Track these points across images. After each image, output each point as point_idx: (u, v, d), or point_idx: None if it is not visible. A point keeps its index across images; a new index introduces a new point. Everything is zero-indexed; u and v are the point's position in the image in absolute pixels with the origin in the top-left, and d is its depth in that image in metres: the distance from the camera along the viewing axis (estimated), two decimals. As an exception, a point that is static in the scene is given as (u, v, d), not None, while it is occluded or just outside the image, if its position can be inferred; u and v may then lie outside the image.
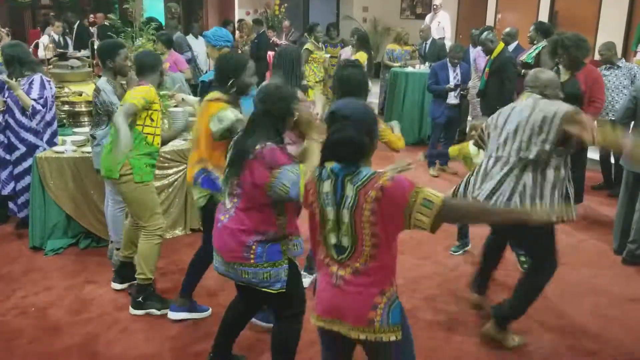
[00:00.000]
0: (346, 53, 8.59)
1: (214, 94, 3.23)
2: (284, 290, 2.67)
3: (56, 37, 9.85)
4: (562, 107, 3.10)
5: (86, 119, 5.30)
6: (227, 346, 3.06)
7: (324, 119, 2.21)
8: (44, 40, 9.25)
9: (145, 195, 3.66)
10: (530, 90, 3.32)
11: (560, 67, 4.44)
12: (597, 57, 6.90)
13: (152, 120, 3.58)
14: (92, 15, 13.45)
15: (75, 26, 10.81)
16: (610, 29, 9.48)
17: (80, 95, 5.67)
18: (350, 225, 2.10)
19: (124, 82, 4.09)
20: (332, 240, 2.17)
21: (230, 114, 3.14)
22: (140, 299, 3.70)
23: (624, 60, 6.33)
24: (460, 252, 4.73)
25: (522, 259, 4.35)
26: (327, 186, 2.15)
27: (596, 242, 5.03)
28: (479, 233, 4.39)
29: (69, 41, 10.21)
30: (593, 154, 6.33)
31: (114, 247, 4.26)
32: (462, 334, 3.59)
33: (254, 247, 2.60)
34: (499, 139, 3.24)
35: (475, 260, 4.46)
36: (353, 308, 2.12)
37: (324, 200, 2.16)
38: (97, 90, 3.98)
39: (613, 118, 5.29)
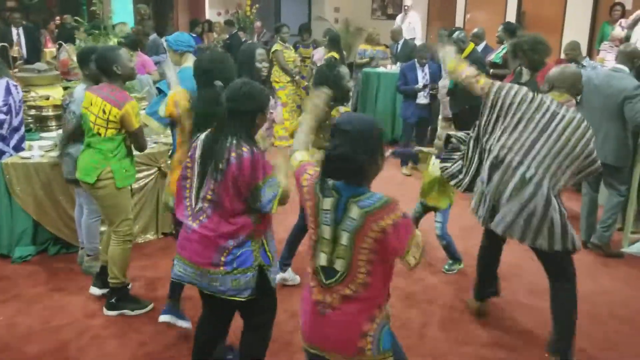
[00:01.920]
0: (319, 53, 8.62)
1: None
2: (253, 298, 2.60)
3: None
4: (591, 144, 3.07)
5: (54, 123, 5.21)
6: None
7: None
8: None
9: (122, 200, 3.63)
10: (558, 90, 3.20)
11: (523, 68, 4.59)
12: (562, 56, 7.03)
13: None
14: (58, 18, 13.24)
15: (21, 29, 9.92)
16: (576, 28, 9.68)
17: (48, 99, 5.56)
18: (349, 249, 2.00)
19: None
20: (322, 261, 2.07)
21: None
22: (113, 300, 3.70)
23: (588, 59, 6.48)
24: (455, 269, 4.48)
25: None
26: (327, 203, 2.04)
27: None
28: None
29: None
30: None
31: (85, 253, 4.20)
32: (436, 331, 3.63)
33: (225, 252, 2.52)
34: (519, 137, 3.10)
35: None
36: (342, 339, 2.05)
37: (323, 217, 2.05)
38: (71, 96, 3.93)
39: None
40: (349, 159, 1.97)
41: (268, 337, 2.79)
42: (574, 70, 3.30)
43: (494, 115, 3.19)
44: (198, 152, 2.59)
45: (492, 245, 3.63)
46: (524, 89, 3.19)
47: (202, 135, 2.63)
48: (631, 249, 4.86)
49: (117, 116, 3.44)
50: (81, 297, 3.93)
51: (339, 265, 2.04)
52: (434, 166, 4.26)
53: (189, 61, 4.15)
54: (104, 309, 3.73)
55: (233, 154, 2.45)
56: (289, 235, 4.10)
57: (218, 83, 3.08)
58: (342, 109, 3.66)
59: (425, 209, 4.46)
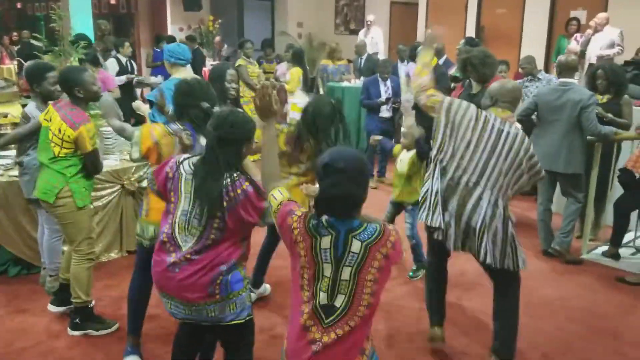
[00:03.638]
0: (282, 69, 8.67)
1: None
2: (251, 317, 2.59)
3: (123, 59, 8.25)
4: (535, 156, 3.14)
5: (13, 141, 5.10)
6: None
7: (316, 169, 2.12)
8: (110, 64, 7.92)
9: (82, 219, 3.57)
10: (502, 105, 3.23)
11: (472, 80, 4.75)
12: (519, 70, 7.24)
13: None
14: (14, 33, 13.00)
15: None
16: (532, 42, 9.99)
17: (6, 117, 5.46)
18: (351, 284, 2.02)
19: None
20: (322, 300, 2.04)
21: None
22: (77, 320, 3.65)
23: (543, 72, 6.71)
24: (420, 274, 4.55)
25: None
26: (326, 242, 2.03)
27: (525, 246, 5.14)
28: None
29: (134, 65, 8.69)
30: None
31: (47, 273, 4.12)
32: (404, 342, 3.67)
33: (218, 281, 2.44)
34: (472, 157, 3.11)
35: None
36: None
37: (322, 256, 2.04)
38: (26, 118, 3.85)
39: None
40: (350, 197, 2.01)
41: (252, 353, 2.77)
42: (513, 85, 3.34)
43: (448, 133, 3.18)
44: (185, 186, 2.50)
45: (440, 261, 3.57)
46: (471, 107, 3.20)
47: (186, 166, 2.52)
48: (590, 256, 5.02)
49: (71, 137, 3.38)
50: (44, 319, 3.85)
51: (339, 301, 2.04)
52: (401, 162, 4.49)
53: (179, 73, 4.14)
54: (68, 329, 3.67)
55: (238, 191, 2.40)
56: (260, 252, 4.05)
57: (205, 104, 3.01)
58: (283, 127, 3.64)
59: (396, 209, 4.58)
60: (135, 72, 8.39)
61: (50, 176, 3.48)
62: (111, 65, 7.94)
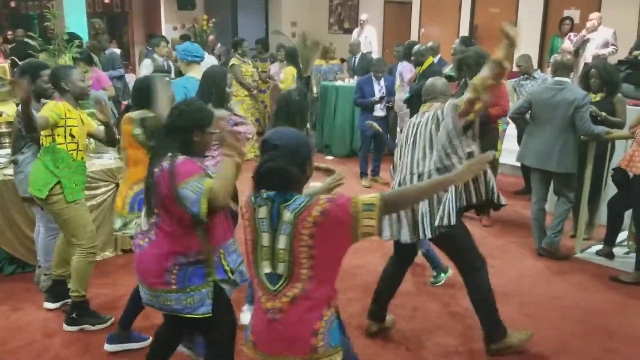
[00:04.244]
0: (275, 68, 8.67)
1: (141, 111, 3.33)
2: (210, 315, 2.57)
3: (160, 60, 8.00)
4: (448, 112, 3.26)
5: (7, 140, 5.07)
6: None
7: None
8: (146, 65, 7.74)
9: (79, 213, 3.59)
10: (426, 101, 3.50)
11: (467, 80, 4.78)
12: (515, 68, 7.26)
13: (72, 136, 3.52)
14: (9, 32, 12.96)
15: None
16: (526, 41, 9.99)
17: (0, 115, 5.43)
18: (288, 252, 2.09)
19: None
20: (266, 269, 2.15)
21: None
22: (74, 315, 3.66)
23: (539, 71, 6.73)
24: (442, 281, 4.42)
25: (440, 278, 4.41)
26: (263, 212, 2.14)
27: (520, 245, 5.28)
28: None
29: (172, 65, 8.27)
30: (512, 160, 6.64)
31: (42, 272, 4.11)
32: (398, 341, 3.68)
33: (175, 271, 2.49)
34: (413, 156, 3.35)
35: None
36: (295, 339, 2.12)
37: (259, 225, 2.15)
38: (20, 116, 3.83)
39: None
40: (280, 172, 2.10)
41: (227, 353, 2.76)
42: (431, 82, 3.56)
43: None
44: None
45: (399, 266, 3.70)
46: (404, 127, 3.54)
47: None
48: (584, 255, 5.04)
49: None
50: (39, 317, 3.84)
51: (281, 269, 2.12)
52: None
53: (194, 71, 4.14)
54: (64, 325, 3.68)
55: (160, 168, 2.47)
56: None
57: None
58: None
59: None
60: (173, 73, 7.91)
61: (41, 172, 3.52)
62: (146, 66, 7.78)
